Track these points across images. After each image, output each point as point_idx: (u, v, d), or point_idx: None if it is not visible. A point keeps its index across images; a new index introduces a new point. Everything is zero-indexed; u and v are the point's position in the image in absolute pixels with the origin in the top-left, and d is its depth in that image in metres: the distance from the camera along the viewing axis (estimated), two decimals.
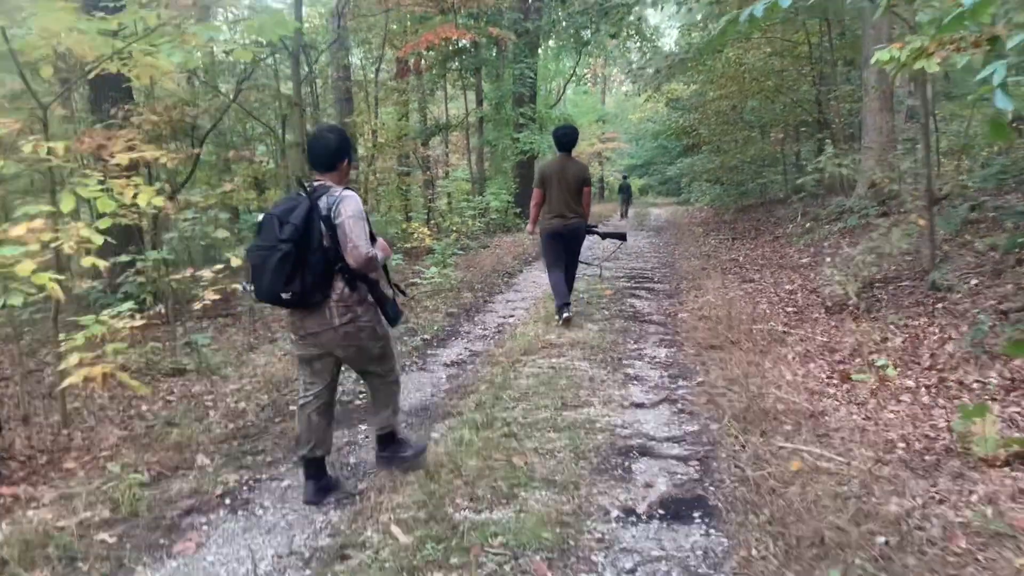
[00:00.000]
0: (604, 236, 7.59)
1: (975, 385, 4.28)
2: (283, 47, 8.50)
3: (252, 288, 3.19)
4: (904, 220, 6.64)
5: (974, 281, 6.38)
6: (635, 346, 5.90)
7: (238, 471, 3.72)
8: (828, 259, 9.56)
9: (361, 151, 17.49)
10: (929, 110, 6.46)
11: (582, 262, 7.29)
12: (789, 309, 6.98)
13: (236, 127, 13.14)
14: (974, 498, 2.99)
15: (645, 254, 12.61)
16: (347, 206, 3.11)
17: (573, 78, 25.58)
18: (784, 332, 6.01)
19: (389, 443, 3.59)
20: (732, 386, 4.58)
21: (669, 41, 30.19)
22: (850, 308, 6.64)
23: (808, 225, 11.90)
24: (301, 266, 3.02)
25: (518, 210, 19.01)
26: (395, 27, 19.39)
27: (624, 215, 26.07)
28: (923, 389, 4.38)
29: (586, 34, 19.43)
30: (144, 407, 4.96)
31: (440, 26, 18.15)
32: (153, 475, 3.67)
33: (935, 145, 13.23)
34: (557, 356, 5.54)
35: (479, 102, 21.64)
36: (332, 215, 3.09)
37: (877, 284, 7.21)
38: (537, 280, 9.71)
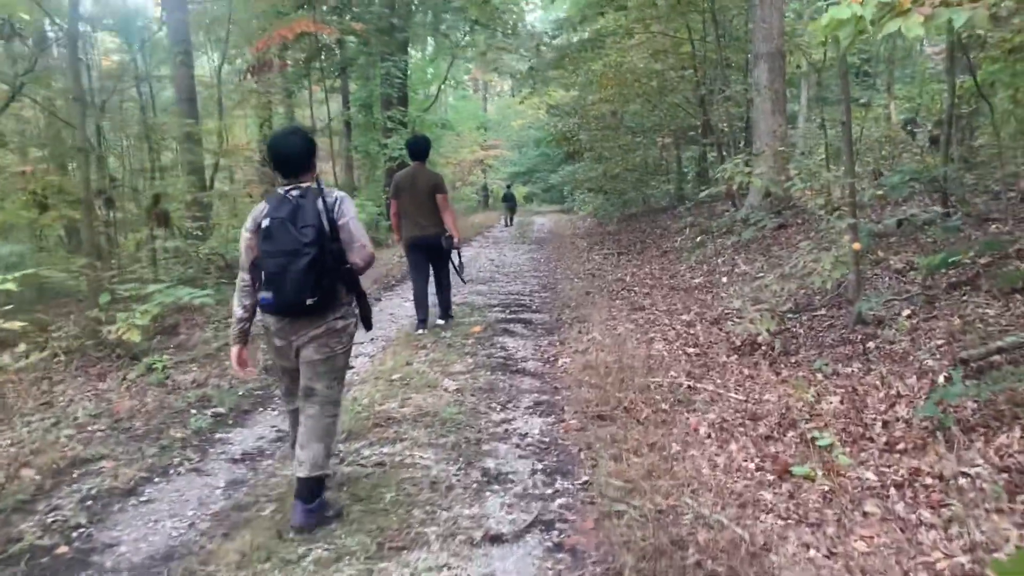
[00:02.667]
0: (458, 267, 7.16)
1: (963, 482, 3.06)
2: (58, 28, 6.64)
3: (266, 298, 3.03)
4: (820, 237, 5.50)
5: (906, 312, 5.29)
6: (502, 415, 4.44)
7: None
8: (724, 279, 8.48)
9: (207, 159, 15.53)
10: (849, 105, 5.34)
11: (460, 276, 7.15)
12: (691, 350, 5.72)
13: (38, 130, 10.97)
14: None
15: (524, 274, 11.24)
16: (349, 206, 3.16)
17: (447, 81, 24.08)
18: (690, 388, 4.71)
19: (317, 493, 3.08)
20: (630, 496, 3.17)
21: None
22: (763, 348, 5.45)
23: (699, 239, 10.87)
24: (323, 270, 2.97)
25: (388, 223, 17.39)
26: (255, 23, 17.41)
27: (508, 223, 26.16)
28: (893, 489, 3.12)
29: (456, 30, 18.00)
30: None
31: (295, 21, 16.31)
32: None
33: (823, 152, 12.53)
34: (393, 441, 4.00)
35: (346, 104, 19.88)
36: (335, 215, 3.10)
37: (788, 315, 6.08)
38: (396, 312, 8.16)
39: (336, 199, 3.14)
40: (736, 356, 5.44)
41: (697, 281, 8.64)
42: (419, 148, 6.76)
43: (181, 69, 15.63)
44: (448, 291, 7.06)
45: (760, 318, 5.09)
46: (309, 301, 2.95)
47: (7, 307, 4.88)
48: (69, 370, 6.06)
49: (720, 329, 6.30)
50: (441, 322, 6.96)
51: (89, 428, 4.45)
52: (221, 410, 4.69)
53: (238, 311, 3.26)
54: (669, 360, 5.42)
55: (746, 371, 5.07)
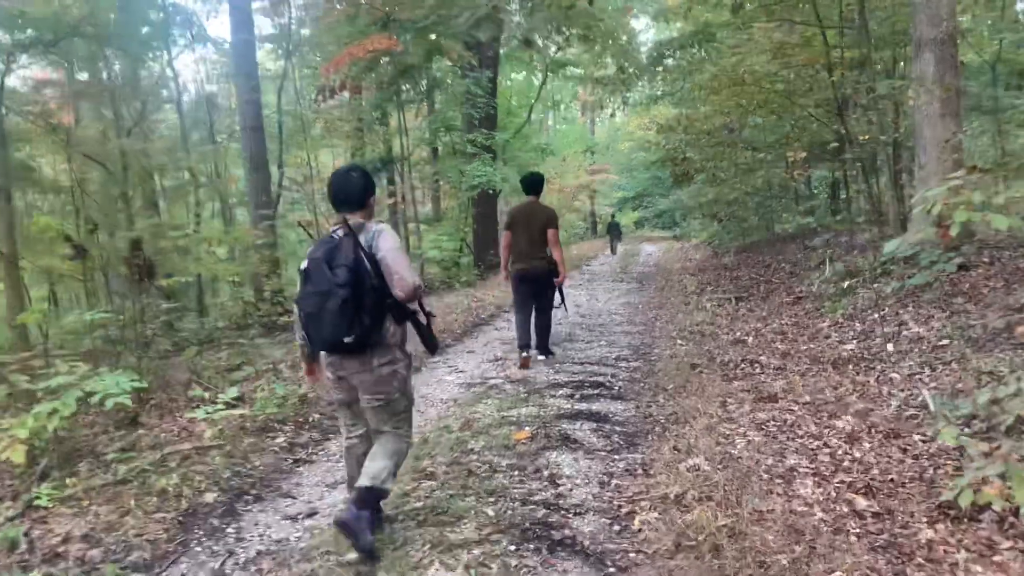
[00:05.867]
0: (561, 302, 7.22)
1: None
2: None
3: (305, 338, 3.11)
4: None
5: None
6: None
7: None
8: (890, 345, 6.01)
9: (273, 188, 14.32)
10: None
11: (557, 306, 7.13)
12: (862, 502, 3.37)
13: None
14: None
15: (613, 329, 8.97)
16: (386, 239, 3.11)
17: (542, 101, 22.13)
18: None
19: (371, 505, 3.11)
20: None
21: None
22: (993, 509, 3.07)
23: (845, 283, 8.34)
24: (359, 308, 2.93)
25: (469, 259, 15.49)
26: (332, 47, 16.12)
27: (613, 251, 25.71)
28: None
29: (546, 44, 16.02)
30: None
31: (368, 39, 14.78)
32: None
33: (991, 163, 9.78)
34: None
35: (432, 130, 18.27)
36: (373, 250, 3.07)
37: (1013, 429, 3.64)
38: (447, 380, 6.13)
39: (374, 233, 3.11)
40: (948, 524, 3.08)
41: (849, 349, 6.19)
42: (534, 182, 6.97)
43: (246, 94, 14.38)
44: (548, 327, 7.05)
45: (1013, 484, 2.71)
46: (347, 339, 2.93)
47: None
48: None
49: (904, 450, 3.93)
50: (542, 358, 6.97)
51: None
52: None
53: (299, 340, 3.34)
54: (828, 531, 3.10)
55: (978, 571, 2.72)
